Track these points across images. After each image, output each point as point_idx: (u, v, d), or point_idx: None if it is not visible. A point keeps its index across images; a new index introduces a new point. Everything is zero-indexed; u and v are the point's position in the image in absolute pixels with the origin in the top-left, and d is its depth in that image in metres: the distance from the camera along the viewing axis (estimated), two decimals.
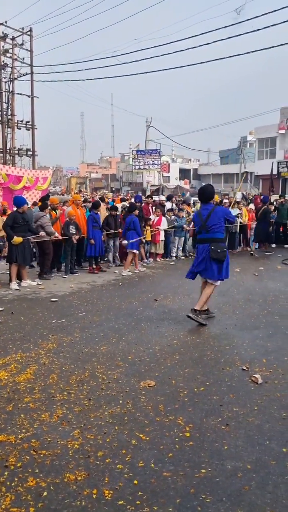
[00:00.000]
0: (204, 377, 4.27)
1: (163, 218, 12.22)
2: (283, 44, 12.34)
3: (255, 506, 2.45)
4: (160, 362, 4.67)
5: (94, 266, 10.47)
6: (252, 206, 15.79)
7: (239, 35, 12.63)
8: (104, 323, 6.13)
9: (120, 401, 3.75)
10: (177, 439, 3.15)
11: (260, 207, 13.63)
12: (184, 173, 55.68)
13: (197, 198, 22.06)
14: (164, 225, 12.17)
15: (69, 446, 3.07)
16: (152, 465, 2.85)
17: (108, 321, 6.23)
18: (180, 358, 4.77)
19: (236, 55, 13.94)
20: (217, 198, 14.40)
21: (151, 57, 14.74)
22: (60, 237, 9.80)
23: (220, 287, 8.43)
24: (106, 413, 3.54)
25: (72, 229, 9.87)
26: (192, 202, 18.29)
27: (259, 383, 4.10)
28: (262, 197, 15.43)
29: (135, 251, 10.27)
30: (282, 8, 10.98)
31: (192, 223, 12.85)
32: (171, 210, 12.99)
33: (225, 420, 3.42)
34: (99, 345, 5.22)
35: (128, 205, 11.83)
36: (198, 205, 11.74)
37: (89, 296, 7.87)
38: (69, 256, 9.98)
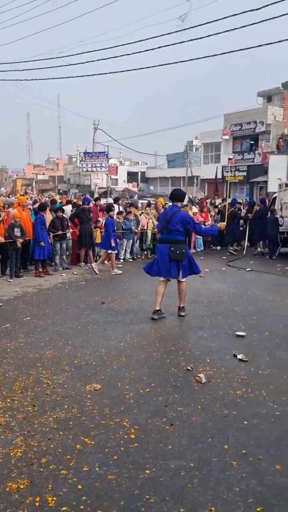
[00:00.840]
0: (150, 378, 4.31)
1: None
2: (225, 53, 12.73)
3: (197, 503, 2.50)
4: (106, 365, 4.67)
5: (41, 269, 10.29)
6: (195, 209, 16.15)
7: (183, 42, 12.88)
8: (50, 328, 6.04)
9: (65, 406, 3.70)
10: (122, 442, 3.16)
11: (228, 209, 14.38)
12: (132, 176, 55.91)
13: (145, 201, 22.25)
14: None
15: (11, 454, 2.99)
16: (97, 468, 2.84)
17: (54, 325, 6.14)
18: (126, 361, 4.79)
19: (180, 61, 14.23)
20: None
21: (97, 60, 14.67)
22: (4, 240, 9.54)
23: (167, 289, 8.56)
24: (50, 418, 3.49)
25: (17, 232, 9.64)
26: (140, 204, 18.42)
27: (203, 382, 4.19)
28: (231, 200, 16.58)
29: (110, 251, 10.67)
30: (224, 17, 11.33)
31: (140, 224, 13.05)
32: (120, 212, 13.02)
33: (169, 420, 3.47)
34: (45, 349, 5.13)
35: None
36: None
37: (35, 300, 7.72)
38: (14, 259, 9.73)
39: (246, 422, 3.43)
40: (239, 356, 4.87)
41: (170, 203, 7.09)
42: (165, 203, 15.45)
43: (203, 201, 18.88)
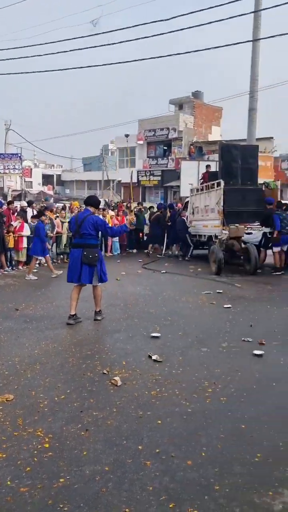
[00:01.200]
0: (65, 385, 4.25)
1: (25, 225, 11.87)
2: (139, 60, 12.99)
3: (111, 506, 2.51)
4: (20, 374, 4.52)
5: None
6: (112, 213, 16.28)
7: (95, 46, 12.95)
8: None
9: None
10: (35, 452, 3.08)
11: (155, 212, 15.46)
12: (47, 179, 54.73)
13: (60, 204, 21.91)
14: (26, 231, 11.82)
15: None
16: (9, 482, 2.74)
17: None
18: (41, 368, 4.67)
19: (94, 66, 14.21)
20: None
21: (7, 59, 14.20)
22: None
23: (84, 293, 8.51)
24: None
25: None
26: (56, 208, 18.10)
27: (118, 385, 4.22)
28: (157, 204, 17.64)
29: (41, 257, 10.66)
30: (135, 26, 11.56)
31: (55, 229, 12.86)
32: (34, 216, 12.68)
33: (84, 426, 3.45)
34: None
35: None
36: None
37: None
38: None
39: (159, 421, 3.52)
40: (154, 357, 4.97)
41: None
42: (80, 206, 15.42)
43: (120, 205, 19.10)
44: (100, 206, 17.64)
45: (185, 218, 14.29)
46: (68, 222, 9.32)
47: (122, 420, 3.55)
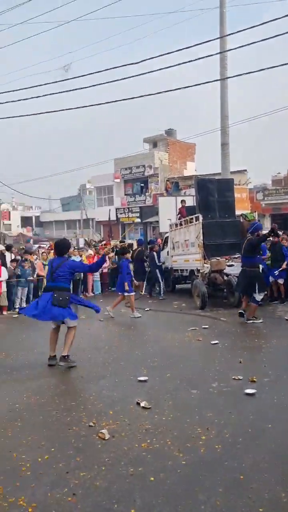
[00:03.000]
0: (49, 442, 3.95)
1: (3, 268, 11.60)
2: (108, 102, 13.20)
3: None
4: None
5: None
6: (91, 251, 16.16)
7: (67, 91, 13.16)
8: None
9: None
10: None
11: (135, 249, 15.40)
12: (25, 221, 54.66)
13: (45, 245, 21.69)
14: (4, 275, 11.55)
15: None
16: None
17: None
18: (22, 425, 4.36)
19: (64, 110, 14.37)
20: None
21: None
22: None
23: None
24: None
25: None
26: (35, 249, 17.90)
27: (106, 438, 3.95)
28: (137, 240, 17.88)
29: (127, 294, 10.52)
30: (105, 69, 11.83)
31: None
32: (14, 260, 12.45)
33: (71, 490, 3.15)
34: None
35: None
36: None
37: None
38: None
39: (152, 478, 3.25)
40: (142, 404, 4.72)
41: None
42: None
43: (102, 246, 19.13)
44: (81, 245, 17.64)
45: (154, 253, 14.06)
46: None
47: (112, 479, 3.27)
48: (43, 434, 4.14)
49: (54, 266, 6.47)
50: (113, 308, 10.54)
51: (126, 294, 10.47)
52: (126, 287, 10.33)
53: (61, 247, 6.89)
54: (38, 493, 3.13)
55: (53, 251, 11.17)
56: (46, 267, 12.81)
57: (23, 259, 12.76)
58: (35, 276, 12.71)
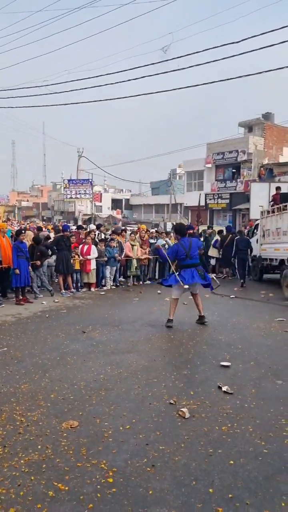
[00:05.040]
0: (131, 413, 4.07)
1: (93, 247, 12.05)
2: (206, 83, 12.94)
3: None
4: (85, 399, 4.41)
5: (21, 297, 10.02)
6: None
7: (166, 72, 13.11)
8: (27, 359, 5.76)
9: (39, 446, 3.43)
10: (99, 487, 2.90)
11: (226, 235, 15.36)
12: (116, 203, 56.16)
13: (134, 227, 22.18)
14: (94, 254, 11.99)
15: None
16: None
17: (32, 356, 5.86)
18: (106, 394, 4.54)
19: (161, 91, 14.40)
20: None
21: (81, 89, 14.82)
22: None
23: (150, 317, 8.39)
24: (22, 461, 3.21)
25: None
26: (122, 230, 18.34)
27: (186, 417, 3.97)
28: (226, 227, 17.55)
29: None
30: (204, 50, 11.57)
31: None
32: (103, 240, 12.88)
33: (150, 461, 3.22)
34: (20, 383, 4.85)
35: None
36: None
37: (13, 329, 7.43)
38: None
39: (232, 462, 3.21)
40: (224, 388, 4.66)
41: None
42: (147, 230, 15.49)
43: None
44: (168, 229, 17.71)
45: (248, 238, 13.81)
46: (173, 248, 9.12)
47: (191, 457, 3.28)
48: (125, 405, 4.26)
49: (187, 247, 7.74)
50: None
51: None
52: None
53: (183, 229, 8.36)
54: (118, 459, 3.25)
55: (174, 234, 11.24)
56: (135, 248, 13.09)
57: (111, 238, 13.13)
58: (122, 256, 13.02)
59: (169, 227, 23.86)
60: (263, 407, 4.22)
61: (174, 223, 26.89)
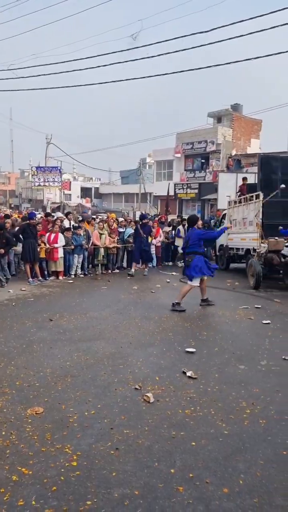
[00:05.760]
0: (96, 399, 4.11)
1: (60, 235, 11.93)
2: (174, 72, 12.94)
3: None
4: (50, 386, 4.42)
5: None
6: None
7: (135, 59, 12.99)
8: None
9: (3, 433, 3.43)
10: (63, 470, 2.94)
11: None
12: (85, 192, 55.65)
13: (104, 216, 22.03)
14: (61, 242, 11.89)
15: None
16: (33, 502, 2.60)
17: None
18: (72, 381, 4.56)
19: (130, 79, 14.32)
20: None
21: (49, 74, 14.55)
22: None
23: (118, 306, 8.43)
24: None
25: None
26: (92, 219, 18.23)
27: (151, 402, 4.04)
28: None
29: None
30: (175, 38, 11.54)
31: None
32: (68, 229, 12.75)
33: (114, 444, 3.28)
34: None
35: None
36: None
37: None
38: None
39: (193, 443, 3.31)
40: (189, 373, 4.77)
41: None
42: (116, 219, 15.44)
43: (162, 216, 19.23)
44: (136, 219, 17.72)
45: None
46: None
47: (154, 440, 3.36)
48: (90, 391, 4.30)
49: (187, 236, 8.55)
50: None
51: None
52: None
53: (194, 219, 8.95)
54: (83, 444, 3.29)
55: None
56: (103, 236, 13.05)
57: (78, 226, 13.02)
58: (89, 244, 12.94)
59: (138, 216, 23.86)
60: (225, 391, 4.34)
61: (143, 212, 26.95)
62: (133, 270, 12.82)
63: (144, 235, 12.94)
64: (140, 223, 13.36)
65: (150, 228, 13.71)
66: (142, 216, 14.46)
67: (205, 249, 9.78)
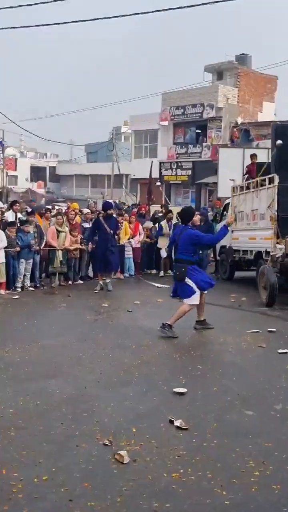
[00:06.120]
0: (50, 460, 4.10)
1: (1, 233, 11.82)
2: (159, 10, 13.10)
3: None
4: None
5: None
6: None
7: None
8: None
9: None
10: None
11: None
12: (37, 173, 55.59)
13: (63, 206, 22.02)
14: (1, 242, 11.75)
15: None
16: None
17: None
18: (16, 435, 4.55)
19: (98, 19, 14.29)
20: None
21: None
22: None
23: (81, 330, 8.44)
24: None
25: None
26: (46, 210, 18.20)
27: (125, 462, 4.06)
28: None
29: None
30: None
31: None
32: (13, 223, 12.68)
33: None
34: None
35: None
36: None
37: None
38: None
39: None
40: (177, 423, 4.81)
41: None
42: (80, 210, 15.44)
43: (142, 207, 19.25)
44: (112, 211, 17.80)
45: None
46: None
47: None
48: (42, 449, 4.30)
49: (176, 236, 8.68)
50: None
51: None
52: None
53: (189, 213, 9.11)
54: None
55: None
56: (62, 235, 12.98)
57: (25, 220, 12.86)
58: (42, 245, 12.87)
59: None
60: (227, 446, 4.39)
61: (117, 201, 27.02)
62: (101, 282, 12.64)
63: (111, 231, 12.86)
64: (104, 214, 13.22)
65: (116, 222, 13.71)
66: (107, 205, 14.22)
67: (200, 252, 9.88)
